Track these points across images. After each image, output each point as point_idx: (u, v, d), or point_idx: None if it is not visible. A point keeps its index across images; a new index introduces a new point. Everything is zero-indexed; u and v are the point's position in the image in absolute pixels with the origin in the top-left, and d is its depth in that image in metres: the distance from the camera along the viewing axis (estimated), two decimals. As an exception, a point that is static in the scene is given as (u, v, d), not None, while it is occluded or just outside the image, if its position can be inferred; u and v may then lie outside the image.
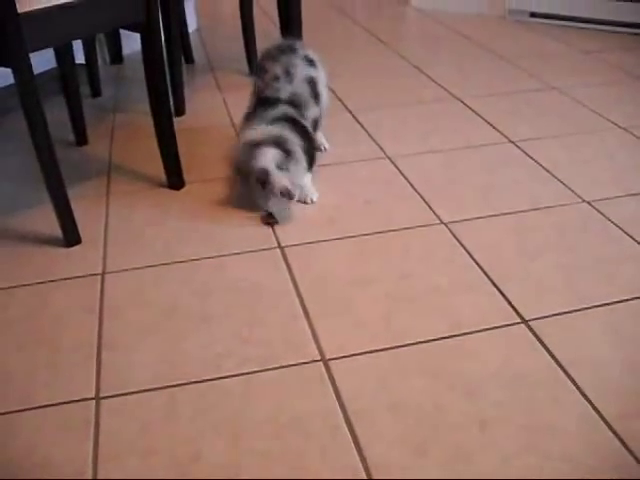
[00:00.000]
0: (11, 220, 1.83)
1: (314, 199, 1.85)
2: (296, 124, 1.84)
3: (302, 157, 1.79)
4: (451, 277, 1.51)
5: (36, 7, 1.52)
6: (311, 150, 1.87)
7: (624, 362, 1.26)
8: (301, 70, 1.92)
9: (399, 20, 3.80)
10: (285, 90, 1.88)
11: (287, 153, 1.75)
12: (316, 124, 2.00)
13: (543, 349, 1.29)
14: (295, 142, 1.78)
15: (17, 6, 1.46)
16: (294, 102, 1.88)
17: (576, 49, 3.06)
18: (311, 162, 1.86)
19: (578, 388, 1.20)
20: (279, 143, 1.75)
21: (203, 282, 1.53)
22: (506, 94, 2.56)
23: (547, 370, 1.24)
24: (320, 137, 2.11)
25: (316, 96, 1.96)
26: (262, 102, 1.89)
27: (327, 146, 2.13)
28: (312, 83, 1.94)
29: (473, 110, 2.41)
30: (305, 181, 1.84)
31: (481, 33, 3.38)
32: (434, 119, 2.35)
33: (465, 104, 2.47)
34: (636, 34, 3.22)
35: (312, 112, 1.95)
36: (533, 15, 3.52)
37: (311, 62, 1.96)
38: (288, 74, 1.90)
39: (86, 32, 1.74)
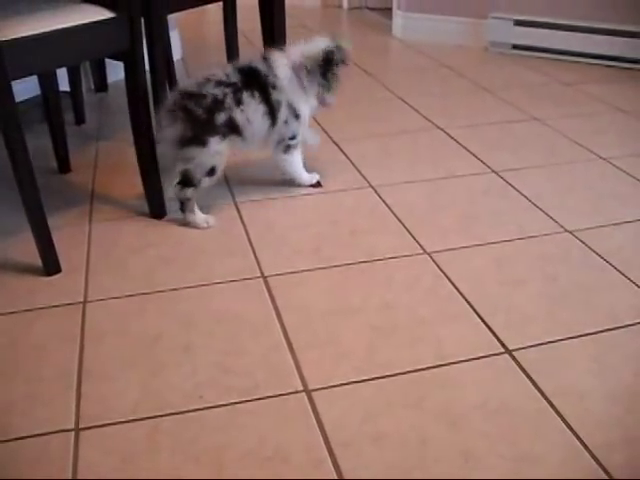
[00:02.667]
0: (-8, 248, 1.82)
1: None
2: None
3: None
4: (435, 307, 1.51)
5: (18, 35, 1.52)
6: None
7: (607, 391, 1.26)
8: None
9: (383, 51, 3.84)
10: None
11: None
12: None
13: (527, 379, 1.29)
14: None
15: None
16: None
17: (557, 81, 3.10)
18: None
19: (562, 418, 1.20)
20: None
21: (185, 311, 1.52)
22: (489, 124, 2.58)
23: (531, 400, 1.24)
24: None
25: None
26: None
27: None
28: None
29: (456, 140, 2.43)
30: None
31: (464, 64, 3.42)
32: (418, 149, 2.36)
33: (448, 134, 2.49)
34: (615, 67, 3.27)
35: None
36: (515, 47, 3.57)
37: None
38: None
39: (69, 61, 1.74)
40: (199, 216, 1.90)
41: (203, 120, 1.81)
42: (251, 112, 1.87)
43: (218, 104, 1.82)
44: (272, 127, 1.94)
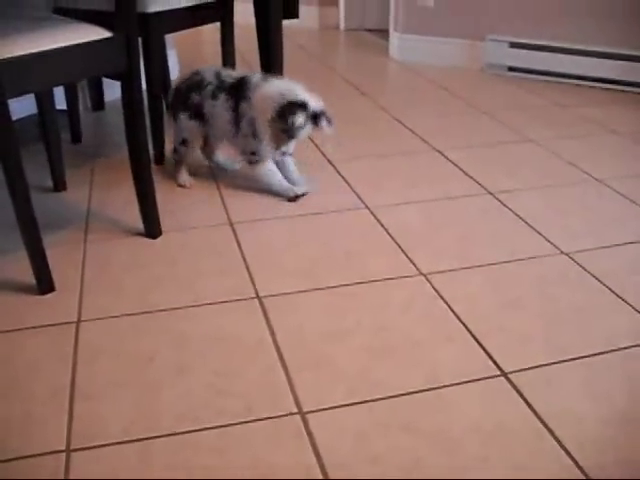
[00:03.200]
0: (-15, 266, 1.81)
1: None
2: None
3: None
4: (430, 329, 1.50)
5: (16, 54, 1.52)
6: None
7: (602, 414, 1.25)
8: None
9: (379, 72, 3.86)
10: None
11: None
12: None
13: (522, 402, 1.28)
14: None
15: (-3, 53, 1.46)
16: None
17: (553, 103, 3.12)
18: None
19: (557, 440, 1.19)
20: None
21: (180, 332, 1.51)
22: (485, 146, 2.59)
23: (526, 422, 1.23)
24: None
25: None
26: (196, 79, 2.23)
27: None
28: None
29: (452, 162, 2.44)
30: None
31: (460, 86, 3.44)
32: (414, 170, 2.37)
33: (444, 155, 2.50)
34: (610, 89, 3.29)
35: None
36: (510, 69, 3.59)
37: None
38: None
39: (66, 79, 1.74)
40: (181, 176, 2.29)
41: (181, 96, 2.21)
42: (219, 110, 2.15)
43: (197, 88, 2.17)
44: (235, 134, 2.16)
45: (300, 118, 1.99)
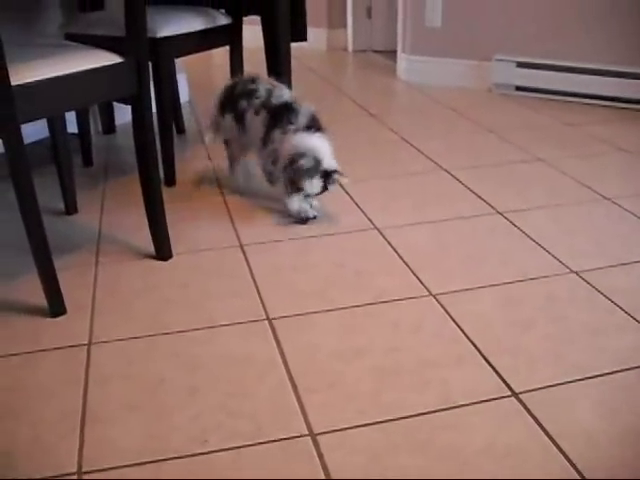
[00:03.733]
0: (-2, 290, 1.82)
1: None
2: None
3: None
4: (440, 349, 1.50)
5: (29, 80, 1.54)
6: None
7: (614, 433, 1.24)
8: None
9: (387, 93, 3.88)
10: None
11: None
12: None
13: (533, 422, 1.28)
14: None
15: (11, 78, 1.48)
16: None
17: (560, 121, 3.12)
18: None
19: (569, 460, 1.19)
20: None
21: (191, 354, 1.52)
22: (493, 166, 2.60)
23: (538, 442, 1.23)
24: None
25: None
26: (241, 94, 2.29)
27: None
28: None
29: (461, 182, 2.44)
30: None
31: (468, 106, 3.45)
32: (422, 191, 2.38)
33: (453, 176, 2.51)
34: (617, 107, 3.29)
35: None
36: (518, 89, 3.61)
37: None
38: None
39: (78, 104, 1.77)
40: (236, 176, 2.45)
41: (232, 98, 2.29)
42: (255, 124, 2.22)
43: (247, 97, 2.24)
44: (262, 149, 2.22)
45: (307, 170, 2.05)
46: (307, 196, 2.11)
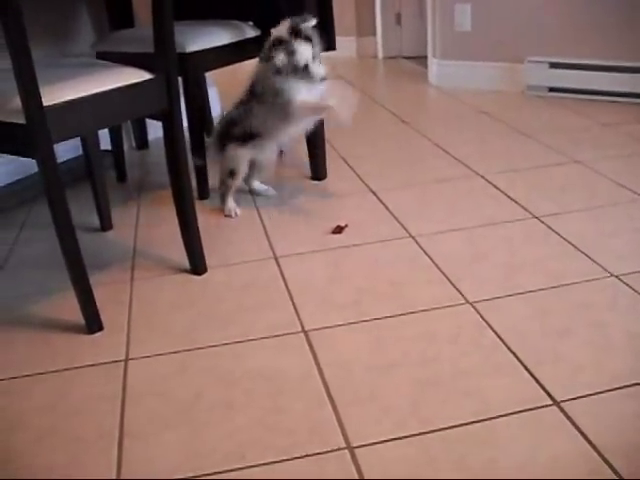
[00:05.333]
0: (35, 306, 1.84)
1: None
2: None
3: None
4: (478, 359, 1.48)
5: (61, 99, 1.56)
6: None
7: (662, 446, 1.21)
8: None
9: (419, 98, 3.86)
10: None
11: None
12: None
13: (576, 432, 1.25)
14: None
15: (43, 99, 1.49)
16: None
17: (596, 122, 3.07)
18: None
19: (614, 472, 1.15)
20: None
21: (226, 369, 1.51)
22: (528, 169, 2.56)
23: (581, 454, 1.20)
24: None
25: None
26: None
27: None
28: None
29: (496, 187, 2.41)
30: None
31: (501, 109, 3.41)
32: (457, 197, 2.35)
33: (488, 181, 2.48)
34: (656, 106, 3.23)
35: None
36: (551, 90, 3.56)
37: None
38: None
39: (109, 122, 1.78)
40: (228, 205, 2.37)
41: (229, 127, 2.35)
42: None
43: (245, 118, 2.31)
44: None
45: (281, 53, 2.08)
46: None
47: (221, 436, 1.31)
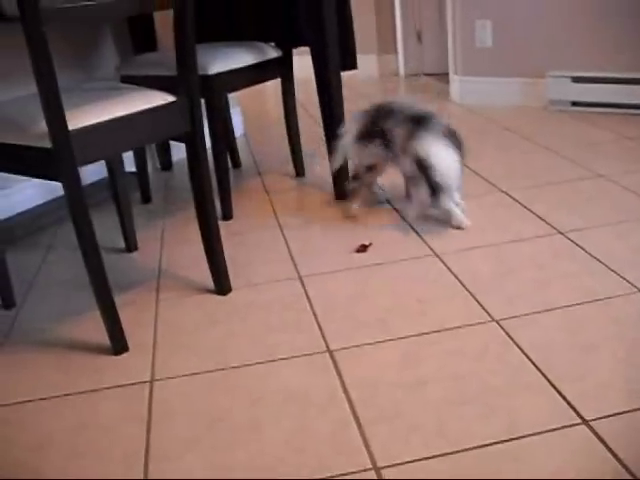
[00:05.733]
0: (61, 327, 1.85)
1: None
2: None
3: None
4: (505, 377, 1.46)
5: (86, 123, 1.58)
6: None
7: (696, 465, 1.18)
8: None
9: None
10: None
11: None
12: None
13: (607, 451, 1.23)
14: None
15: (68, 124, 1.51)
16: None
17: (620, 135, 3.05)
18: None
19: (648, 494, 1.13)
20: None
21: (252, 389, 1.51)
22: (553, 184, 2.54)
23: (611, 473, 1.18)
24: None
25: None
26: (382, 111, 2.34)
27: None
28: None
29: (520, 202, 2.40)
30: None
31: (524, 124, 3.40)
32: (481, 213, 2.34)
33: (511, 197, 2.46)
34: (682, 118, 3.20)
35: None
36: (574, 104, 3.54)
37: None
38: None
39: (133, 145, 1.79)
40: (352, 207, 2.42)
41: (375, 124, 2.34)
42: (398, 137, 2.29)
43: (389, 116, 2.32)
44: (403, 159, 2.26)
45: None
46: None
47: (247, 457, 1.31)
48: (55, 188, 2.71)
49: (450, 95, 4.15)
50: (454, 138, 2.21)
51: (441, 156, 2.12)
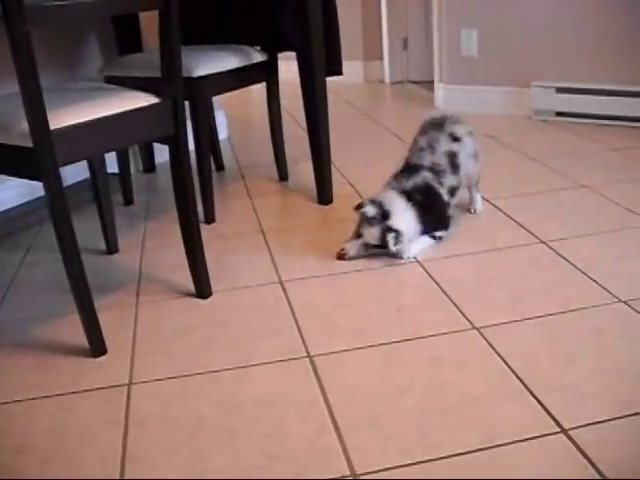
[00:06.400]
0: (40, 329, 1.83)
1: (405, 255, 2.08)
2: (429, 192, 2.13)
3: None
4: (485, 385, 1.46)
5: (68, 123, 1.56)
6: (436, 214, 2.15)
7: (673, 476, 1.19)
8: (443, 144, 2.20)
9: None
10: (427, 159, 2.17)
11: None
12: (453, 192, 2.22)
13: (585, 461, 1.23)
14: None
15: (50, 123, 1.50)
16: (434, 170, 2.16)
17: (604, 146, 3.07)
18: (434, 225, 2.15)
19: (625, 504, 1.13)
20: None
21: (230, 394, 1.50)
22: (536, 194, 2.55)
23: (590, 485, 1.18)
24: (475, 200, 2.42)
25: (455, 167, 2.20)
26: (407, 167, 2.20)
27: (478, 209, 2.42)
28: (452, 156, 2.19)
29: (503, 211, 2.41)
30: (414, 240, 2.11)
31: (508, 134, 3.42)
32: (462, 222, 2.34)
33: (494, 205, 2.47)
34: (664, 131, 3.23)
35: (449, 180, 2.18)
36: (559, 114, 3.56)
37: (455, 138, 2.23)
38: (431, 147, 2.20)
39: (115, 146, 1.78)
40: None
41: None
42: None
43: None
44: None
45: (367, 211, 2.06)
46: (366, 245, 2.09)
47: (224, 463, 1.29)
48: (37, 188, 2.68)
49: (435, 103, 4.16)
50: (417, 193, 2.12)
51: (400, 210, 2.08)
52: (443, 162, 2.18)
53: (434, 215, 2.15)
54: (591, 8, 3.40)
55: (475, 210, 2.42)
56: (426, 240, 2.15)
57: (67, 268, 1.61)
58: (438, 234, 2.16)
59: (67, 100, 1.65)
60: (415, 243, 2.11)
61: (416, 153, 2.23)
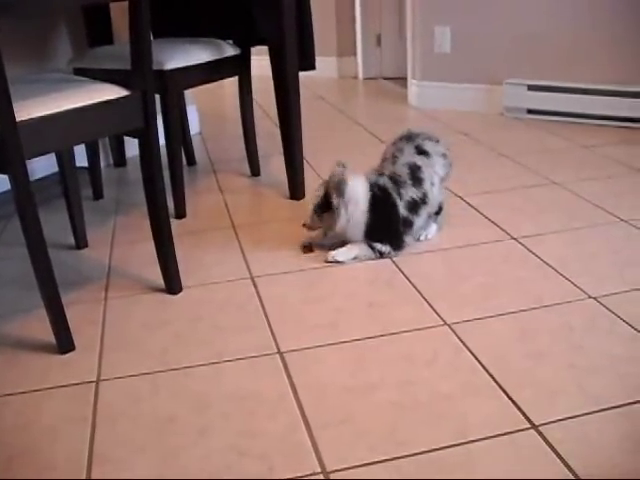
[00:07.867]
0: (7, 325, 1.80)
1: (337, 258, 2.04)
2: (385, 198, 2.05)
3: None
4: (456, 381, 1.46)
5: (35, 115, 1.53)
6: (386, 224, 2.05)
7: (641, 471, 1.19)
8: (406, 156, 2.12)
9: (399, 120, 3.86)
10: (387, 169, 2.11)
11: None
12: (414, 207, 2.07)
13: (555, 456, 1.23)
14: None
15: (16, 115, 1.47)
16: (393, 179, 2.08)
17: (575, 144, 3.09)
18: (380, 236, 2.05)
19: (594, 499, 1.14)
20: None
21: (200, 391, 1.48)
22: (507, 191, 2.56)
23: (559, 477, 1.18)
24: (429, 226, 2.20)
25: (416, 180, 2.07)
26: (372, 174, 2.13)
27: (429, 234, 2.20)
28: (414, 168, 2.09)
29: (474, 207, 2.41)
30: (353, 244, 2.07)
31: (480, 130, 3.43)
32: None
33: (466, 202, 2.47)
34: (632, 128, 3.25)
35: (409, 192, 2.06)
36: (530, 112, 3.58)
37: (421, 151, 2.13)
38: (394, 157, 2.14)
39: (83, 139, 1.75)
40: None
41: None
42: None
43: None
44: None
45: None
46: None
47: (193, 461, 1.28)
48: (3, 182, 2.64)
49: (408, 99, 4.16)
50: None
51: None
52: (403, 173, 2.07)
53: (383, 223, 2.05)
54: (563, 7, 3.42)
55: (424, 236, 2.19)
56: (364, 249, 2.06)
57: (34, 263, 1.58)
58: (379, 247, 2.05)
59: (34, 92, 1.62)
60: (350, 248, 2.06)
61: (381, 164, 2.18)
